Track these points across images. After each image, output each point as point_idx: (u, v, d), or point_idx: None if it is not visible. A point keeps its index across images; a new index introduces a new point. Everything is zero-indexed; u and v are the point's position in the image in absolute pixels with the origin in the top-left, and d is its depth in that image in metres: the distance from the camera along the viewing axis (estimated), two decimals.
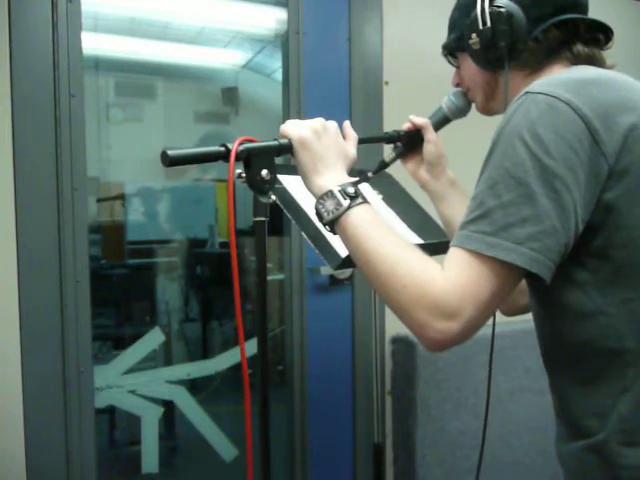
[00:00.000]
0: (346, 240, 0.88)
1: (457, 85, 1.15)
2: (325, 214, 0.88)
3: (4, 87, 1.51)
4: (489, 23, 0.97)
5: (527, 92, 0.82)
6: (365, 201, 0.88)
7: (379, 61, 2.02)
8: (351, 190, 0.88)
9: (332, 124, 0.97)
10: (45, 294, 1.57)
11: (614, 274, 0.81)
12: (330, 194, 0.88)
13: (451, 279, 0.77)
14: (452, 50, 1.11)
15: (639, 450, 0.81)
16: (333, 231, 0.90)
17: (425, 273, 0.79)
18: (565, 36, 0.95)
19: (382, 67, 2.02)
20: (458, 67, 1.12)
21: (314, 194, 0.92)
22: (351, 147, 0.99)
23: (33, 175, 1.55)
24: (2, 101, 1.51)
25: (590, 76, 0.86)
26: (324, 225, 0.90)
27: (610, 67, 0.97)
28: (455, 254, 0.79)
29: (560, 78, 0.85)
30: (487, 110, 1.10)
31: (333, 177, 0.91)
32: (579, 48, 0.95)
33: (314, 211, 0.92)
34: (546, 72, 0.97)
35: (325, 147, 0.94)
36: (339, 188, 0.88)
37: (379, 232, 0.85)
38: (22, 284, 1.54)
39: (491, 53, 0.98)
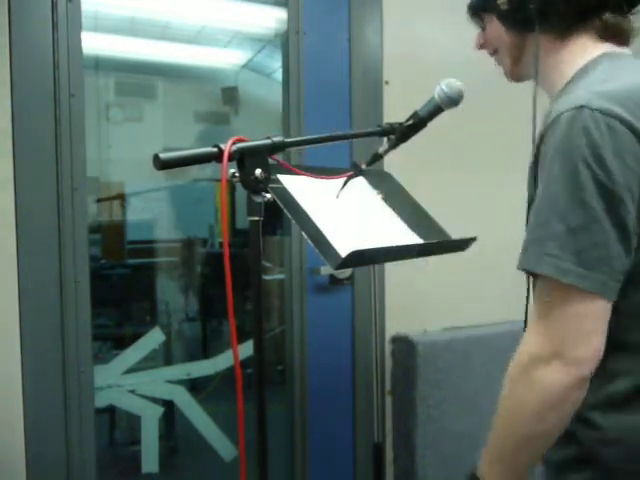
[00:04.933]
0: None
1: (481, 47, 1.09)
2: None
3: (4, 87, 1.51)
4: None
5: (582, 106, 0.81)
6: None
7: (379, 61, 2.02)
8: None
9: None
10: (45, 294, 1.57)
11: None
12: None
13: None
14: (478, 10, 1.06)
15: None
16: None
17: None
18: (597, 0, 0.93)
19: (382, 67, 2.02)
20: (483, 29, 1.07)
21: None
22: None
23: (33, 175, 1.55)
24: (2, 101, 1.51)
25: (634, 82, 0.86)
26: None
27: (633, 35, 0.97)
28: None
29: (610, 89, 0.84)
30: (515, 75, 1.06)
31: None
32: (608, 17, 0.94)
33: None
34: (573, 42, 0.95)
35: None
36: None
37: None
38: (22, 284, 1.54)
39: (520, 14, 0.95)
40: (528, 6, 0.93)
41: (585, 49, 0.94)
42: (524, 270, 0.84)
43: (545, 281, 0.82)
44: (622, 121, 0.79)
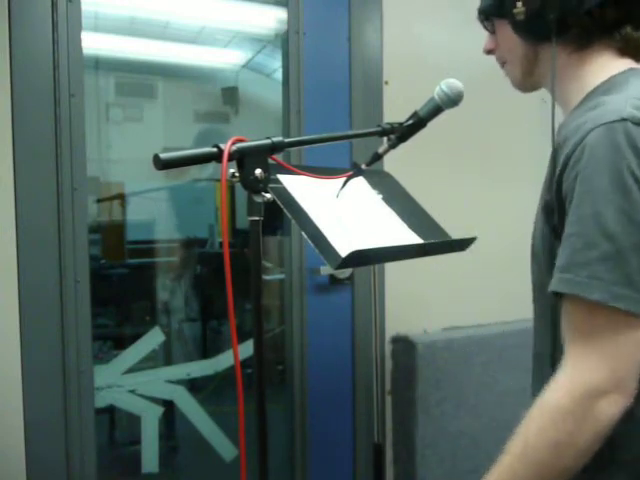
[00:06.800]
0: None
1: (489, 52, 1.03)
2: None
3: (4, 87, 1.51)
4: None
5: (623, 119, 0.76)
6: None
7: (379, 61, 2.02)
8: None
9: None
10: (45, 294, 1.57)
11: None
12: None
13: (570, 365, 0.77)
14: (489, 15, 0.99)
15: None
16: None
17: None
18: (620, 14, 0.88)
19: (382, 67, 2.02)
20: (493, 32, 1.01)
21: None
22: None
23: (33, 175, 1.55)
24: (2, 101, 1.51)
25: None
26: None
27: None
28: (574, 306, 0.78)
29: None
30: (523, 86, 1.02)
31: None
32: (629, 31, 0.89)
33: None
34: (591, 55, 0.91)
35: None
36: None
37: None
38: (22, 284, 1.54)
39: (537, 25, 0.89)
40: (547, 16, 0.87)
41: (606, 62, 0.90)
42: (561, 293, 0.78)
43: (591, 305, 0.75)
44: None
